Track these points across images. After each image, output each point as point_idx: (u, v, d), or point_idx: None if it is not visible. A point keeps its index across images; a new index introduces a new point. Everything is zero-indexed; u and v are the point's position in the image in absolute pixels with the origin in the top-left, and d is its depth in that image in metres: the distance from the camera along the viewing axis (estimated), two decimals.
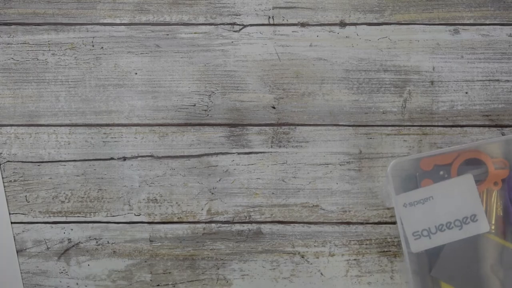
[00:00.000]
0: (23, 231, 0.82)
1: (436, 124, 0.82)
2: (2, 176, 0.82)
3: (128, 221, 0.82)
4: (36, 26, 0.83)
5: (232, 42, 0.82)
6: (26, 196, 0.82)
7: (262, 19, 0.83)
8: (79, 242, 0.82)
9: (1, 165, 0.82)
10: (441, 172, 0.76)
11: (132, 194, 0.82)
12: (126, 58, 0.82)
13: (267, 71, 0.82)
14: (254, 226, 0.82)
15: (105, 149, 0.82)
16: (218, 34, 0.83)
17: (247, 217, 0.82)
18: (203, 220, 0.82)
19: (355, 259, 0.81)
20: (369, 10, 0.83)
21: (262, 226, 0.82)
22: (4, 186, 0.82)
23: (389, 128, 0.82)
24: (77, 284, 0.82)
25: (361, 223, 0.82)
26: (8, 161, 0.82)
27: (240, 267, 0.82)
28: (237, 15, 0.83)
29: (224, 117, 0.83)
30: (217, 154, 0.82)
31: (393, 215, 0.81)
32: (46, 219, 0.82)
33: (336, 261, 0.81)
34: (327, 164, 0.82)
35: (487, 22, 0.83)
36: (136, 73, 0.82)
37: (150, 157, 0.82)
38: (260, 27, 0.83)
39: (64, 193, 0.82)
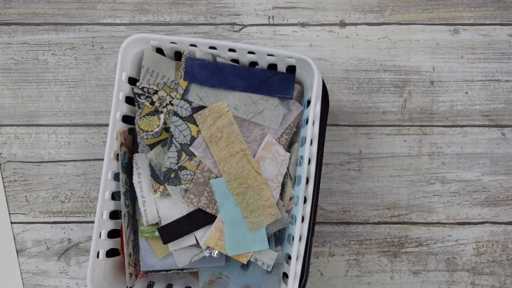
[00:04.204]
0: (23, 231, 0.82)
1: (436, 124, 0.82)
2: (2, 176, 0.82)
3: None
4: (36, 26, 0.83)
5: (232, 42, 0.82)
6: (26, 196, 0.82)
7: (262, 19, 0.83)
8: (79, 242, 0.82)
9: (1, 165, 0.82)
10: None
11: None
12: None
13: None
14: None
15: (105, 149, 0.82)
16: (218, 34, 0.83)
17: None
18: None
19: (355, 259, 0.81)
20: (369, 10, 0.83)
21: None
22: (4, 186, 0.82)
23: (389, 128, 0.82)
24: (77, 284, 0.82)
25: (361, 223, 0.82)
26: (8, 161, 0.82)
27: None
28: (237, 15, 0.83)
29: None
30: None
31: (393, 215, 0.81)
32: (46, 219, 0.82)
33: (336, 261, 0.81)
34: (327, 164, 0.82)
35: (487, 22, 0.83)
36: None
37: None
38: (260, 27, 0.83)
39: (64, 193, 0.82)
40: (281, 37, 0.83)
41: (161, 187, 0.70)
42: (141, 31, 0.83)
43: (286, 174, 0.70)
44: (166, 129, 0.70)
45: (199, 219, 0.70)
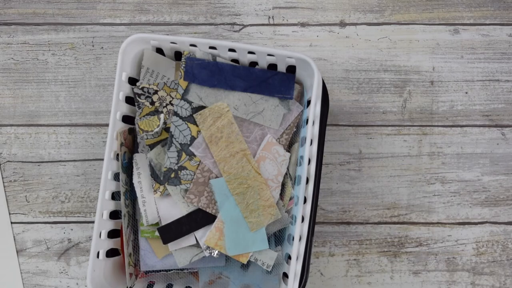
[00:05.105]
0: (23, 231, 0.82)
1: (436, 124, 0.82)
2: (2, 176, 0.82)
3: None
4: (36, 26, 0.83)
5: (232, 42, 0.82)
6: (26, 196, 0.82)
7: (262, 19, 0.83)
8: (79, 242, 0.82)
9: (1, 165, 0.82)
10: None
11: None
12: None
13: None
14: None
15: (105, 149, 0.82)
16: (218, 34, 0.83)
17: None
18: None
19: (355, 259, 0.81)
20: (369, 10, 0.83)
21: None
22: (4, 186, 0.82)
23: (389, 128, 0.82)
24: (77, 284, 0.82)
25: (361, 223, 0.82)
26: (8, 161, 0.82)
27: None
28: (237, 15, 0.83)
29: None
30: None
31: (393, 215, 0.81)
32: (46, 219, 0.82)
33: (336, 261, 0.81)
34: (327, 164, 0.82)
35: (487, 22, 0.83)
36: None
37: None
38: (260, 27, 0.83)
39: (64, 193, 0.82)
40: (281, 37, 0.83)
41: (161, 187, 0.70)
42: (141, 31, 0.83)
43: (286, 174, 0.70)
44: (166, 129, 0.70)
45: (199, 219, 0.70)
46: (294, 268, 0.63)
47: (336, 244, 0.81)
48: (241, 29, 0.83)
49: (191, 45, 0.68)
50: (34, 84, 0.83)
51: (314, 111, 0.65)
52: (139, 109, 0.70)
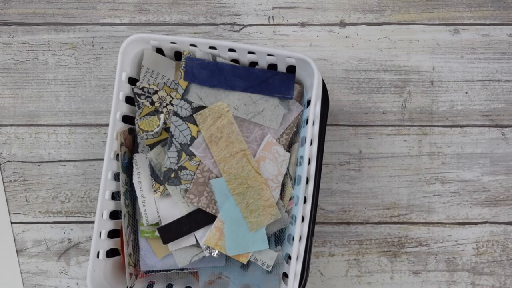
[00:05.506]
0: (23, 231, 0.82)
1: (436, 124, 0.82)
2: (2, 176, 0.82)
3: None
4: (36, 26, 0.83)
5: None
6: (26, 196, 0.82)
7: (262, 19, 0.83)
8: (79, 242, 0.82)
9: (1, 165, 0.82)
10: None
11: None
12: None
13: None
14: None
15: (105, 149, 0.82)
16: (218, 34, 0.83)
17: None
18: None
19: (355, 259, 0.81)
20: (369, 10, 0.83)
21: None
22: (4, 186, 0.82)
23: (389, 128, 0.82)
24: (77, 284, 0.82)
25: (361, 223, 0.82)
26: (8, 161, 0.82)
27: None
28: (237, 15, 0.83)
29: None
30: None
31: (393, 215, 0.81)
32: (46, 219, 0.82)
33: (336, 261, 0.81)
34: (327, 164, 0.82)
35: (487, 22, 0.83)
36: None
37: None
38: (260, 27, 0.83)
39: (64, 193, 0.82)
40: (281, 37, 0.83)
41: (161, 187, 0.70)
42: (141, 31, 0.83)
43: (286, 174, 0.71)
44: (166, 129, 0.70)
45: (199, 219, 0.70)
46: (294, 268, 0.63)
47: (336, 244, 0.81)
48: (241, 29, 0.83)
49: (191, 45, 0.68)
50: (34, 84, 0.83)
51: (314, 111, 0.65)
52: (139, 109, 0.70)
